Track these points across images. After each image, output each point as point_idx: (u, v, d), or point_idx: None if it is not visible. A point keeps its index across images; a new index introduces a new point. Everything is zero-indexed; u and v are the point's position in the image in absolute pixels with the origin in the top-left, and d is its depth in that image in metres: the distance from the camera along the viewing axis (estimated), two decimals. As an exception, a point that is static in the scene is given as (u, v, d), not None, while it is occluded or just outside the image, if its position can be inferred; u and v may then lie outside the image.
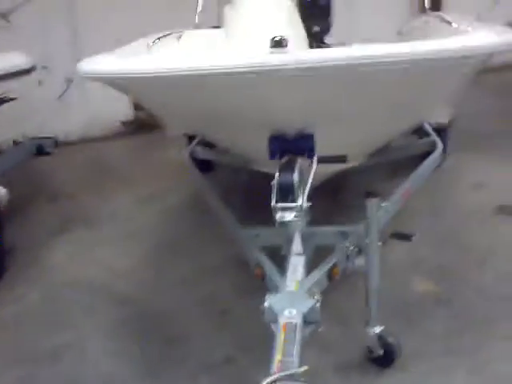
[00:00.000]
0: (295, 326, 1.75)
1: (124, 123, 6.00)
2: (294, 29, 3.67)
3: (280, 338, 1.71)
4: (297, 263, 2.08)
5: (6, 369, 2.47)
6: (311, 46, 3.71)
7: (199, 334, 2.59)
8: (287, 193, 1.91)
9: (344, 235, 2.42)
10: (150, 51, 2.66)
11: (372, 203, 2.13)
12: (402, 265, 2.92)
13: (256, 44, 3.46)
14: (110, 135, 5.83)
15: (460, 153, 4.30)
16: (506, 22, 7.95)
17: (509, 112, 5.57)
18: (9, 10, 5.26)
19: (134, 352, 2.52)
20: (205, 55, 2.61)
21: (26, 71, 3.91)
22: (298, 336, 1.72)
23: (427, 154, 3.69)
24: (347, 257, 2.26)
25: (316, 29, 3.97)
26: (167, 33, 3.11)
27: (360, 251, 2.26)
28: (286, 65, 1.77)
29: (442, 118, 3.18)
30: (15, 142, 4.19)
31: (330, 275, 2.24)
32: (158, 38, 2.89)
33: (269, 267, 2.28)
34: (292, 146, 2.08)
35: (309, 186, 1.95)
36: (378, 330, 2.23)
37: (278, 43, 1.99)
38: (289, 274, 2.03)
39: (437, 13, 4.22)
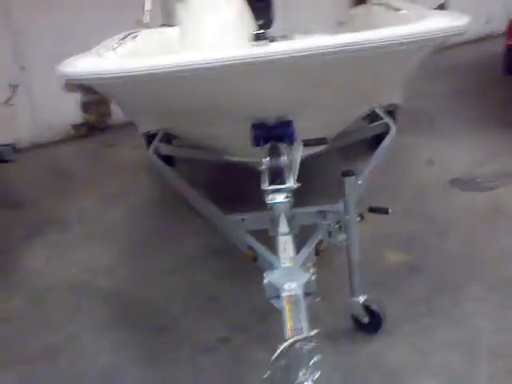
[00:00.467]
0: (297, 297, 1.88)
1: (74, 126, 5.97)
2: (243, 23, 3.81)
3: (286, 308, 1.84)
4: (285, 243, 2.21)
5: (4, 369, 2.50)
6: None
7: (191, 320, 2.69)
8: (277, 176, 2.04)
9: (323, 214, 2.57)
10: (117, 52, 2.71)
11: (350, 181, 2.28)
12: (373, 239, 3.10)
13: (210, 40, 3.62)
14: (61, 139, 5.80)
15: (411, 132, 4.58)
16: (436, 5, 8.38)
17: (448, 92, 5.93)
18: None
19: (130, 343, 2.59)
20: (186, 52, 2.68)
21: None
22: (302, 305, 1.86)
23: (379, 136, 3.93)
24: (329, 233, 2.41)
25: (260, 22, 4.11)
26: (126, 34, 3.16)
27: (340, 227, 2.40)
28: (269, 56, 1.87)
29: (396, 100, 3.37)
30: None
31: (317, 251, 2.39)
32: (123, 39, 2.94)
33: (260, 248, 2.41)
34: (273, 132, 2.20)
35: (297, 168, 2.09)
36: (362, 299, 2.40)
37: (260, 37, 2.10)
38: (280, 252, 2.16)
39: (378, 1, 4.43)
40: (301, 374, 1.68)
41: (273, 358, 1.68)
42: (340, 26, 4.82)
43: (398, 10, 3.16)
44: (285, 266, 2.08)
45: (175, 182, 3.55)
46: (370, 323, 2.43)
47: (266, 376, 1.67)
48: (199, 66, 1.92)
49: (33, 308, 2.95)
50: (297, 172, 2.10)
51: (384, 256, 3.00)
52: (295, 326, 1.77)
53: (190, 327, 2.64)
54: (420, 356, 2.29)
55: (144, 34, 3.37)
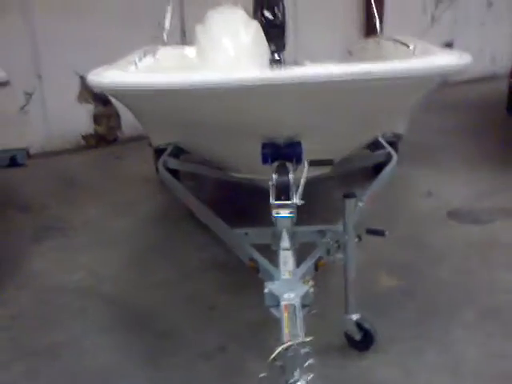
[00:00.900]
0: (295, 306, 2.00)
1: (84, 137, 6.13)
2: (259, 47, 3.97)
3: (284, 316, 1.96)
4: (286, 256, 2.33)
5: (9, 364, 2.59)
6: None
7: (190, 328, 2.79)
8: (284, 192, 2.17)
9: (323, 233, 2.69)
10: (138, 67, 2.86)
11: (350, 203, 2.41)
12: (368, 264, 3.20)
13: (226, 61, 3.78)
14: (71, 148, 5.95)
15: (412, 165, 4.74)
16: (442, 42, 8.62)
17: (451, 127, 6.10)
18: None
19: (130, 346, 2.69)
20: (205, 71, 2.83)
21: (2, 84, 4.02)
22: (299, 314, 1.98)
23: (380, 165, 4.08)
24: (328, 251, 2.53)
25: (273, 47, 4.29)
26: (146, 49, 3.32)
27: (339, 246, 2.52)
28: (284, 80, 2.02)
29: (399, 130, 3.52)
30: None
31: (316, 266, 2.51)
32: (144, 55, 3.09)
33: (262, 260, 2.54)
34: (282, 151, 2.34)
35: (302, 186, 2.22)
36: (355, 317, 2.52)
37: (276, 61, 2.25)
38: (281, 265, 2.28)
39: (388, 35, 4.61)
40: (295, 373, 1.79)
41: (270, 358, 1.79)
42: (349, 55, 5.01)
43: (405, 44, 3.32)
44: (285, 277, 2.19)
45: (182, 195, 3.67)
46: (362, 341, 2.53)
47: (262, 375, 1.78)
48: (217, 85, 2.06)
49: (39, 307, 3.04)
50: (301, 190, 2.22)
51: (378, 280, 3.11)
52: (292, 332, 1.88)
53: (188, 335, 2.74)
54: (407, 375, 2.40)
55: (163, 51, 3.53)
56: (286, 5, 4.84)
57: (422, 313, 2.80)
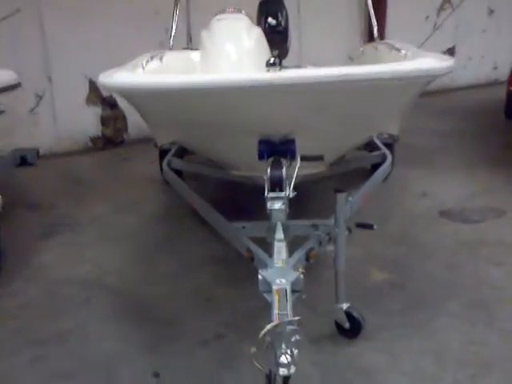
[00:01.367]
0: (285, 290, 2.15)
1: (92, 139, 6.31)
2: (261, 52, 4.15)
3: (275, 298, 2.11)
4: (280, 247, 2.49)
5: (19, 350, 2.75)
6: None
7: (190, 317, 2.95)
8: (277, 185, 2.34)
9: (316, 227, 2.85)
10: (145, 70, 3.03)
11: (341, 197, 2.57)
12: (361, 259, 3.37)
13: (229, 65, 3.95)
14: (78, 150, 6.15)
15: (410, 166, 4.90)
16: (443, 49, 8.78)
17: (449, 131, 6.26)
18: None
19: (133, 334, 2.85)
20: (208, 73, 2.99)
21: (13, 87, 4.21)
22: (289, 297, 2.13)
23: (377, 165, 4.23)
24: (320, 243, 2.69)
25: (275, 52, 4.45)
26: (153, 53, 3.49)
27: (330, 239, 2.67)
28: (279, 81, 2.18)
29: (392, 131, 3.67)
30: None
31: (308, 256, 2.67)
32: (151, 58, 3.27)
33: (257, 250, 2.70)
34: (277, 148, 2.50)
35: (294, 179, 2.38)
36: (345, 306, 2.67)
37: (272, 64, 2.42)
38: (275, 255, 2.43)
39: (385, 40, 4.78)
40: (283, 346, 1.95)
41: (260, 334, 1.95)
42: (350, 60, 5.18)
43: (398, 50, 3.48)
44: (278, 265, 2.35)
45: (185, 192, 3.84)
46: (351, 329, 2.68)
47: (253, 350, 1.94)
48: (218, 86, 2.23)
49: (46, 298, 3.21)
50: (293, 183, 2.39)
51: (369, 274, 3.27)
52: (281, 312, 2.04)
53: (188, 323, 2.89)
54: (394, 359, 2.54)
55: (169, 55, 3.70)
56: (288, 12, 5.03)
57: (409, 304, 2.94)
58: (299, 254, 2.62)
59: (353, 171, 4.44)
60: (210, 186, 4.67)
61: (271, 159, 2.48)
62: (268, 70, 2.47)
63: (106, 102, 6.27)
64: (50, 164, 5.40)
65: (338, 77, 2.21)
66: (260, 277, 2.29)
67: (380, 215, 3.93)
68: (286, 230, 2.58)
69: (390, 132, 3.64)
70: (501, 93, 7.08)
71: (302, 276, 2.29)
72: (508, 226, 3.82)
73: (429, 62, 2.47)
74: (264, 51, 4.22)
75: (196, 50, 4.18)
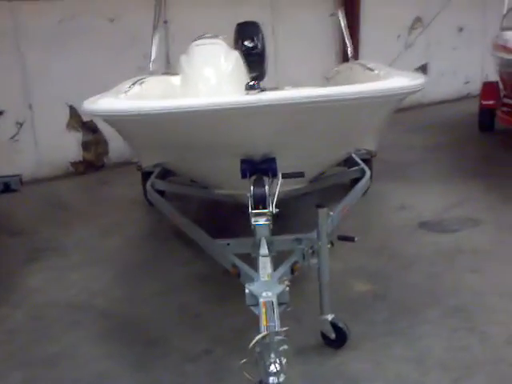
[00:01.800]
0: (272, 302, 2.23)
1: (73, 164, 6.36)
2: (239, 75, 4.26)
3: (262, 311, 2.19)
4: (265, 262, 2.56)
5: (9, 373, 2.77)
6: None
7: (178, 334, 3.00)
8: (260, 202, 2.42)
9: (299, 241, 2.93)
10: (128, 95, 3.11)
11: (322, 212, 2.65)
12: (344, 272, 3.46)
13: (209, 88, 4.05)
14: (60, 175, 6.19)
15: (387, 180, 5.03)
16: (416, 66, 9.01)
17: (425, 145, 6.43)
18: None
19: (122, 353, 2.89)
20: (188, 97, 3.07)
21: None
22: (276, 309, 2.21)
23: (357, 180, 4.35)
24: (303, 256, 2.77)
25: (253, 74, 4.57)
26: (135, 79, 3.57)
27: (313, 252, 2.75)
28: (258, 103, 2.27)
29: (369, 147, 3.78)
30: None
31: (292, 270, 2.75)
32: (133, 84, 3.35)
33: (243, 265, 2.78)
34: (259, 166, 2.59)
35: (276, 196, 2.46)
36: (330, 317, 2.75)
37: (252, 87, 2.52)
38: (260, 269, 2.51)
39: (358, 61, 4.93)
40: (272, 355, 2.02)
41: (250, 345, 2.02)
42: (326, 81, 5.31)
43: (371, 69, 3.61)
44: (263, 279, 2.42)
45: (169, 213, 3.91)
46: (337, 339, 2.76)
47: (243, 361, 2.00)
48: (199, 109, 2.32)
49: (34, 322, 3.24)
50: (275, 200, 2.47)
51: (352, 286, 3.35)
52: (269, 324, 2.11)
53: (176, 340, 2.94)
54: (378, 367, 2.62)
55: (150, 81, 3.79)
56: (265, 35, 5.17)
57: (391, 313, 3.03)
58: (284, 267, 2.70)
59: (332, 187, 4.53)
60: (192, 206, 4.74)
61: (254, 177, 2.56)
62: (247, 93, 2.56)
63: (86, 127, 6.33)
64: (32, 190, 5.41)
65: (316, 97, 2.31)
66: (247, 291, 2.37)
67: (360, 228, 4.04)
68: (270, 245, 2.65)
69: (367, 148, 3.76)
70: (473, 106, 7.30)
71: (287, 289, 2.37)
72: (484, 235, 3.96)
73: (401, 81, 2.59)
74: (242, 74, 4.34)
75: (176, 74, 4.26)
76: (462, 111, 8.40)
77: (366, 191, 4.40)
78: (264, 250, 2.61)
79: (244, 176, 2.58)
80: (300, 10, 7.66)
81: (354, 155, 4.51)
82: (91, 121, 6.20)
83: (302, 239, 2.93)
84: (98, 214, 4.93)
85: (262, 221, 2.45)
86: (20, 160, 5.92)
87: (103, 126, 6.21)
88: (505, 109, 6.33)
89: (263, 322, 2.12)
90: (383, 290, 3.27)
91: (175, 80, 4.13)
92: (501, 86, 6.75)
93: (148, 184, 4.43)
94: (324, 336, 2.79)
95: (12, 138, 5.95)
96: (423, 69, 9.33)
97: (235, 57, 4.30)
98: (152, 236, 4.45)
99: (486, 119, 7.00)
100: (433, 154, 6.13)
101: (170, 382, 2.64)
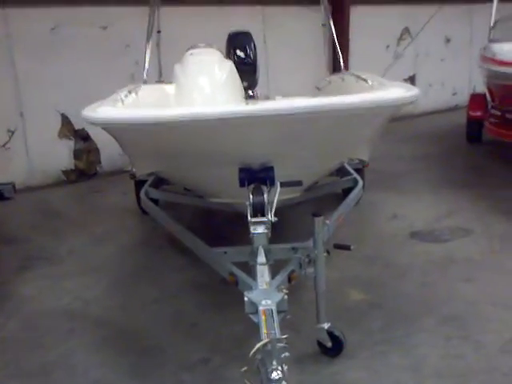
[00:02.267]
0: (271, 310, 2.25)
1: (65, 172, 6.34)
2: (232, 84, 4.28)
3: (262, 319, 2.20)
4: (263, 270, 2.58)
5: (4, 382, 2.75)
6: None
7: (175, 343, 2.99)
8: (259, 210, 2.44)
9: (296, 250, 2.95)
10: (124, 104, 3.13)
11: (318, 221, 2.68)
12: (339, 281, 3.47)
13: (203, 97, 4.07)
14: (52, 183, 6.17)
15: (379, 190, 5.07)
16: (405, 77, 9.09)
17: (415, 155, 6.49)
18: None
19: (118, 361, 2.88)
20: (185, 106, 3.09)
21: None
22: (275, 317, 2.22)
23: (349, 190, 4.38)
24: (300, 265, 2.79)
25: (245, 84, 4.61)
26: (130, 88, 3.59)
27: (310, 261, 2.77)
28: (257, 113, 2.30)
29: (362, 156, 3.82)
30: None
31: (289, 278, 2.77)
32: (129, 92, 3.36)
33: (241, 274, 2.79)
34: (257, 175, 2.61)
35: (275, 205, 2.49)
36: (326, 325, 2.77)
37: (251, 97, 2.55)
38: (258, 277, 2.53)
39: (350, 71, 4.97)
40: (274, 362, 2.03)
41: (251, 352, 2.03)
42: (317, 91, 5.36)
43: (364, 80, 3.65)
44: (262, 287, 2.44)
45: (165, 221, 3.92)
46: (333, 347, 2.77)
47: (243, 369, 2.02)
48: (198, 118, 2.33)
49: (28, 331, 3.22)
50: (274, 208, 2.49)
51: (348, 294, 3.37)
52: (269, 331, 2.13)
53: (173, 349, 2.94)
54: (375, 376, 2.63)
55: (145, 89, 3.80)
56: (256, 44, 5.21)
57: (387, 321, 3.05)
58: (282, 275, 2.72)
59: (324, 196, 4.57)
60: (186, 215, 4.75)
61: (252, 186, 2.58)
62: (247, 103, 2.59)
63: (78, 135, 6.32)
64: (24, 198, 5.41)
65: (313, 107, 2.35)
66: (246, 299, 2.38)
67: (354, 237, 4.06)
68: (267, 253, 2.67)
69: (360, 157, 3.79)
70: (461, 117, 7.39)
71: (286, 297, 2.39)
72: (475, 245, 4.00)
73: (396, 92, 2.63)
74: (236, 83, 4.36)
75: (170, 83, 4.28)
76: (451, 122, 8.50)
77: (358, 201, 4.43)
78: (262, 258, 2.63)
79: (242, 184, 2.60)
80: (291, 19, 7.72)
81: (346, 165, 4.56)
82: (83, 129, 6.20)
83: (299, 248, 2.95)
84: (91, 223, 4.92)
85: (260, 229, 2.47)
86: (11, 168, 5.90)
87: (95, 135, 6.22)
88: (492, 120, 6.41)
89: (263, 330, 2.14)
90: (378, 299, 3.29)
91: (169, 89, 4.15)
92: (488, 97, 6.83)
93: (142, 192, 4.43)
94: (320, 344, 2.80)
95: (3, 145, 5.92)
96: (411, 80, 9.44)
97: (229, 66, 4.33)
98: (146, 243, 4.44)
99: (473, 130, 7.09)
100: (423, 164, 6.20)
101: (166, 391, 2.65)
